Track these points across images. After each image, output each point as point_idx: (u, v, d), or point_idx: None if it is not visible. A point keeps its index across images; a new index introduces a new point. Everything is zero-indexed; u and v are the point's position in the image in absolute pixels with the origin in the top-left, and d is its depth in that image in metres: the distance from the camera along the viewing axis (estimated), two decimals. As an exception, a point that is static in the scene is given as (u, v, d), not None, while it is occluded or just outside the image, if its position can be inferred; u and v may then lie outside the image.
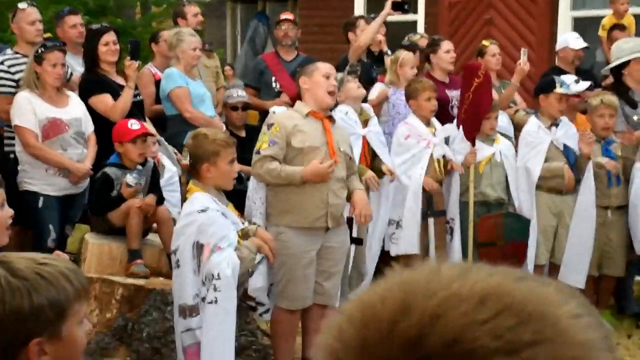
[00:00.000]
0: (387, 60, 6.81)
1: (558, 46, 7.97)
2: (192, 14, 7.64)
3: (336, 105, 5.42)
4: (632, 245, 6.15)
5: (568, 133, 6.12)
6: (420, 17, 11.07)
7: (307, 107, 4.92)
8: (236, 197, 4.98)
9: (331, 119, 5.06)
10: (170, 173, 5.88)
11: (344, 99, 5.75)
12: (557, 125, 6.07)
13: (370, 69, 7.12)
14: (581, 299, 0.88)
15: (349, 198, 5.02)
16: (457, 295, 0.83)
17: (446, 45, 6.87)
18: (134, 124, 5.40)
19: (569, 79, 6.33)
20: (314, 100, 4.96)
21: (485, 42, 7.42)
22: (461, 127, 5.96)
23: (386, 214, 5.92)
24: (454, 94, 6.64)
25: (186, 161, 4.52)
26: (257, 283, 4.77)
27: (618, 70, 6.71)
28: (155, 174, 5.54)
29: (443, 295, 0.83)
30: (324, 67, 5.05)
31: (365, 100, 6.23)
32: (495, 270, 0.87)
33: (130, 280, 5.13)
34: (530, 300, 0.84)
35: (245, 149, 5.32)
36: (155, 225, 5.45)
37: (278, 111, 5.31)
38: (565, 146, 6.06)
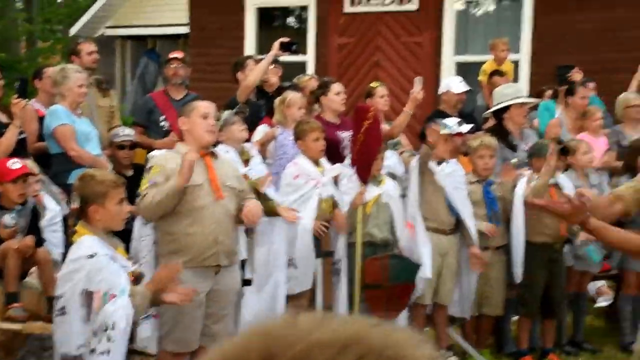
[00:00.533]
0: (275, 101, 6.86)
1: (441, 90, 8.20)
2: (86, 51, 7.47)
3: (218, 143, 5.43)
4: (510, 284, 6.34)
5: (455, 174, 6.22)
6: (310, 58, 11.23)
7: (187, 147, 4.90)
8: (123, 237, 4.89)
9: (213, 154, 5.06)
10: (53, 213, 5.72)
11: (226, 139, 5.75)
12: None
13: (259, 109, 7.14)
14: (431, 343, 0.92)
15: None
16: (320, 343, 0.85)
17: (336, 87, 6.97)
18: (14, 164, 5.25)
19: (452, 121, 6.50)
20: (194, 140, 4.95)
21: (373, 84, 7.54)
22: (355, 168, 6.00)
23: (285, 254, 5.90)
24: (345, 135, 6.71)
25: (76, 204, 4.38)
26: (145, 332, 4.68)
27: (499, 114, 6.95)
28: (36, 214, 5.38)
29: (306, 344, 0.85)
30: (202, 107, 5.04)
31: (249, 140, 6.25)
32: (350, 319, 0.90)
33: (6, 325, 4.95)
34: (388, 345, 0.86)
35: (133, 188, 5.25)
36: (33, 267, 5.29)
37: (157, 154, 5.26)
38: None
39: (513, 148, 6.80)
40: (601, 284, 7.66)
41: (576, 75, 8.05)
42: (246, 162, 5.84)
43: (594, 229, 3.69)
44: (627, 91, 8.04)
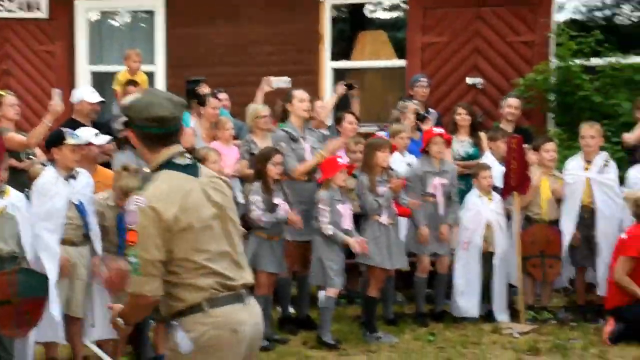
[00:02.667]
0: None
1: (74, 99, 8.04)
2: None
3: None
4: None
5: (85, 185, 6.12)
6: None
7: None
8: None
9: None
10: None
11: None
12: (74, 177, 6.03)
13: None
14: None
15: None
16: None
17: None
18: None
19: (86, 132, 6.40)
20: None
21: (1, 92, 7.26)
22: None
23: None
24: None
25: None
26: None
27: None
28: None
29: None
30: None
31: None
32: None
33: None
34: None
35: None
36: None
37: None
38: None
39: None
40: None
41: (203, 88, 8.31)
42: None
43: None
44: (254, 102, 8.45)
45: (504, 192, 7.74)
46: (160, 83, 10.50)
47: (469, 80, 9.88)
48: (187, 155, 3.41)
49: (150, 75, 10.08)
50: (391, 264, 7.24)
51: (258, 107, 8.21)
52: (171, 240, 3.24)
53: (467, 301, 7.74)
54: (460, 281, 7.76)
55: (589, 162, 7.69)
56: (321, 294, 7.19)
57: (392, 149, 7.47)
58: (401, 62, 10.28)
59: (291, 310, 7.73)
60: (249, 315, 3.39)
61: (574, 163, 7.79)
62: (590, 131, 7.67)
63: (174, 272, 3.29)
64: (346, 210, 7.12)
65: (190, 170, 3.36)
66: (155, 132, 3.34)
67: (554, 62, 9.51)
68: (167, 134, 3.35)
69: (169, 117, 3.31)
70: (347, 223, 7.11)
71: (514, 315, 7.71)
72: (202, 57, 10.37)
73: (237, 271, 3.39)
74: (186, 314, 3.29)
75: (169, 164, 3.35)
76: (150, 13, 10.79)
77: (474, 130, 8.59)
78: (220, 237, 3.36)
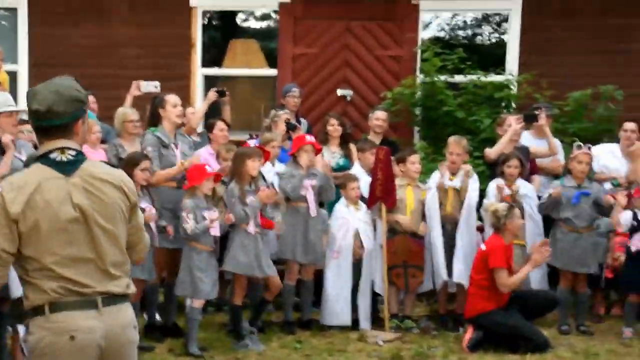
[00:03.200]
0: None
1: None
2: None
3: None
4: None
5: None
6: None
7: None
8: None
9: None
10: None
11: None
12: None
13: None
14: None
15: None
16: None
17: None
18: None
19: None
20: None
21: None
22: None
23: None
24: None
25: None
26: None
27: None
28: None
29: None
30: None
31: None
32: None
33: None
34: None
35: None
36: None
37: None
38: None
39: None
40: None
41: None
42: None
43: None
44: (124, 106, 8.30)
45: (369, 202, 7.90)
46: (24, 83, 10.15)
47: (339, 92, 10.04)
48: (71, 152, 3.30)
49: (14, 75, 9.72)
50: (260, 272, 7.25)
51: (127, 111, 8.07)
52: (21, 235, 3.19)
53: (338, 309, 7.84)
54: (331, 290, 7.85)
55: (453, 174, 7.96)
56: (188, 304, 7.12)
57: (265, 157, 7.48)
58: (272, 72, 10.34)
59: (158, 317, 7.62)
60: (103, 324, 3.29)
61: (439, 175, 8.04)
62: (457, 148, 7.93)
63: (24, 267, 3.24)
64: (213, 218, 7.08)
65: (64, 167, 3.26)
66: (35, 123, 3.31)
67: (420, 77, 9.81)
68: (47, 128, 3.29)
69: (42, 111, 3.23)
70: (214, 231, 7.07)
71: (379, 323, 7.88)
72: (68, 57, 10.10)
73: (98, 279, 3.29)
74: (31, 316, 3.25)
75: (43, 158, 3.28)
76: (13, 10, 10.41)
77: (344, 141, 8.73)
78: (79, 242, 3.25)
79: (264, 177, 7.47)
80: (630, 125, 8.66)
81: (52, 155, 3.28)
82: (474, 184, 7.96)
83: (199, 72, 10.34)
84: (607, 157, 8.67)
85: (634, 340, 7.56)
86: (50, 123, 3.27)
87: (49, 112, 3.24)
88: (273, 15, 10.55)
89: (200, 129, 8.79)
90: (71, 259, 3.23)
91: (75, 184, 3.26)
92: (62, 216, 3.22)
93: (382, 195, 7.77)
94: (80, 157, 3.32)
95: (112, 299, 3.33)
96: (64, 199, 3.23)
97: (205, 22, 10.52)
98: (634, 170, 8.33)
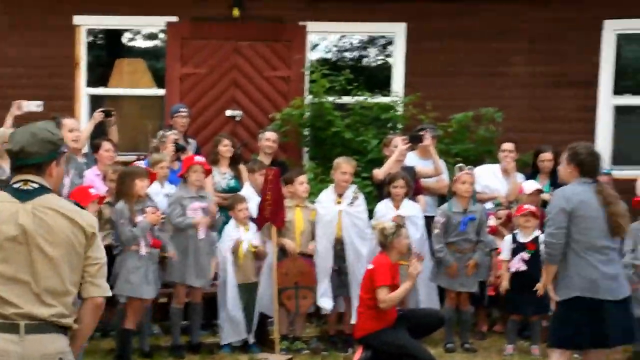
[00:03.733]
0: None
1: None
2: None
3: None
4: None
5: None
6: None
7: None
8: None
9: None
10: None
11: None
12: None
13: None
14: None
15: None
16: None
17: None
18: None
19: None
20: None
21: None
22: None
23: None
24: None
25: None
26: None
27: None
28: None
29: None
30: None
31: None
32: None
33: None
34: None
35: None
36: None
37: None
38: None
39: None
40: None
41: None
42: None
43: None
44: (4, 127, 8.04)
45: (259, 224, 7.90)
46: None
47: (228, 113, 10.02)
48: (34, 184, 3.43)
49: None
50: (152, 294, 7.13)
51: (7, 132, 7.81)
52: None
53: (233, 330, 7.79)
54: (224, 313, 7.79)
55: (340, 195, 8.04)
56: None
57: (152, 178, 7.38)
58: (160, 92, 10.23)
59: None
60: (22, 350, 3.28)
61: (326, 196, 8.11)
62: (347, 168, 8.02)
63: None
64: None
65: (20, 194, 3.40)
66: (11, 162, 3.51)
67: (308, 98, 9.90)
68: (20, 167, 3.47)
69: (15, 151, 3.42)
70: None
71: (269, 345, 7.86)
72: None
73: (28, 301, 3.30)
74: None
75: (8, 187, 3.48)
76: None
77: (234, 162, 8.71)
78: (16, 262, 3.31)
79: (149, 198, 7.38)
80: (507, 146, 9.00)
81: (15, 185, 3.45)
82: (361, 204, 8.07)
83: (84, 92, 10.13)
84: (489, 177, 8.97)
85: (515, 356, 7.79)
86: (23, 162, 3.45)
87: (21, 152, 3.42)
88: (160, 35, 10.45)
89: (85, 149, 8.60)
90: (6, 277, 3.30)
91: (25, 209, 3.37)
92: (1, 234, 3.32)
93: (270, 216, 7.77)
94: (41, 191, 3.44)
95: (38, 326, 3.32)
96: (9, 219, 3.34)
97: (90, 41, 10.32)
98: (512, 189, 8.66)
